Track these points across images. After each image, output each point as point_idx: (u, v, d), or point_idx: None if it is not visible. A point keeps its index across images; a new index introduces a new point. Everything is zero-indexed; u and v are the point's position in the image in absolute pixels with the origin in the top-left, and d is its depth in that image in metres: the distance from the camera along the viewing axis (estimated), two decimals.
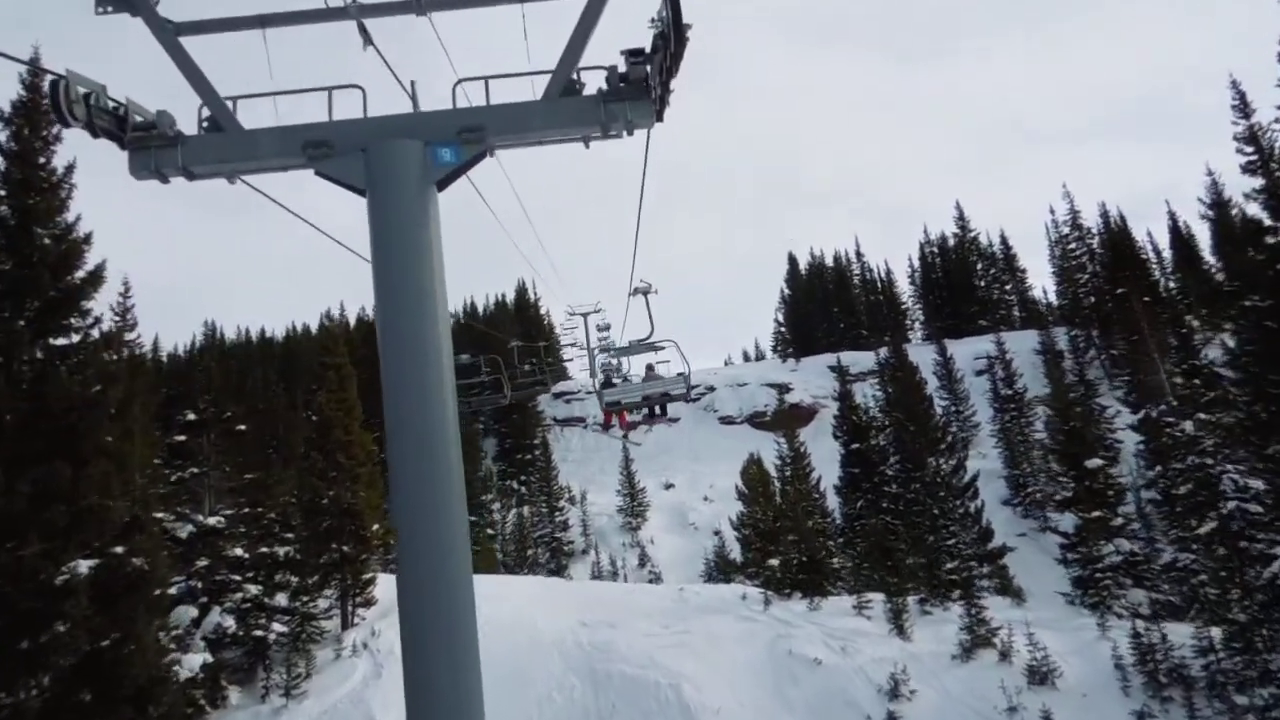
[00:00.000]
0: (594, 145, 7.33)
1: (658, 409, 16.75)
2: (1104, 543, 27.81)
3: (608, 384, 16.60)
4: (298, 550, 30.38)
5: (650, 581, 60.19)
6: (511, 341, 25.03)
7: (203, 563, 27.91)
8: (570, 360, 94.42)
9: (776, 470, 51.15)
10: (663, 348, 15.38)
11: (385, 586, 33.00)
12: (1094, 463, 29.39)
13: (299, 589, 30.29)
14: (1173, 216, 78.99)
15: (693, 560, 60.71)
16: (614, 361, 17.77)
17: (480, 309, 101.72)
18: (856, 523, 53.62)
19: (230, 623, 27.20)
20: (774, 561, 38.90)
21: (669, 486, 72.77)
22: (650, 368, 16.97)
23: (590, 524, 66.58)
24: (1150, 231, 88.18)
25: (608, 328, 22.74)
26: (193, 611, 27.55)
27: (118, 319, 42.19)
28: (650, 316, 14.75)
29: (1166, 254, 78.40)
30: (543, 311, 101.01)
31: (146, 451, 29.49)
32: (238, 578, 28.31)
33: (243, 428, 30.66)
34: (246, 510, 29.49)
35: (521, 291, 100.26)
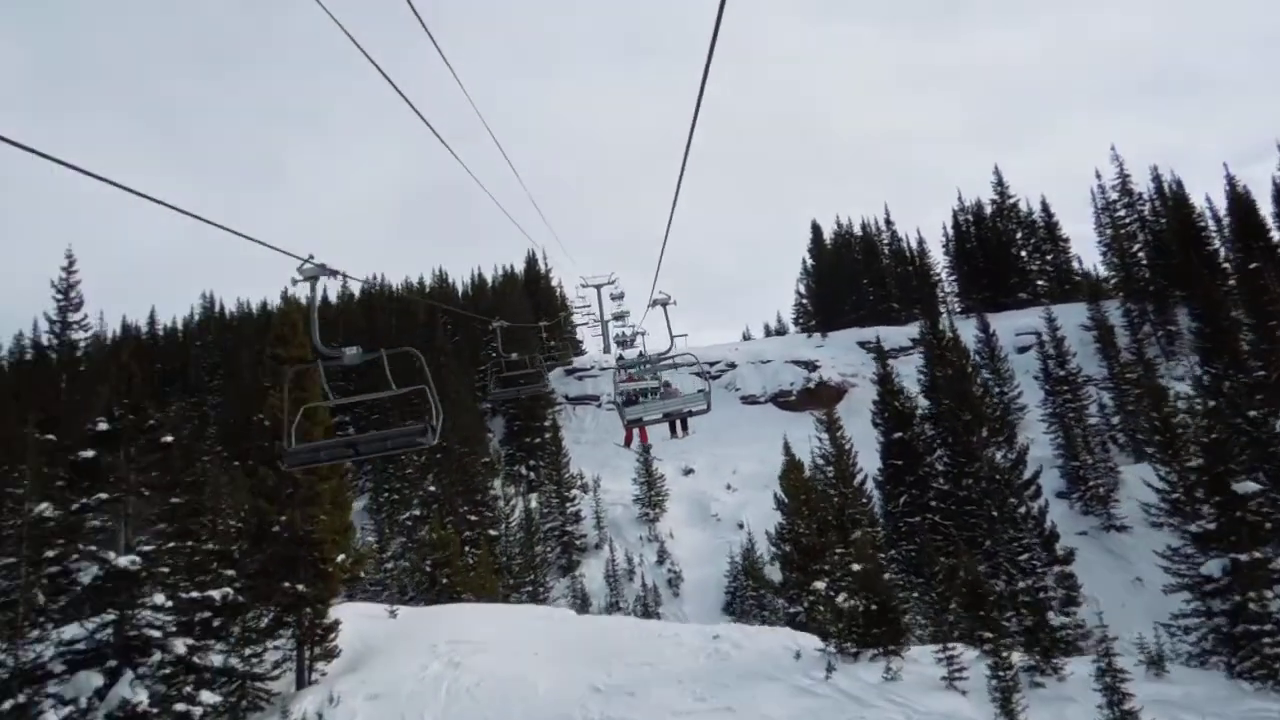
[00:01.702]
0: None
1: (679, 426, 15.64)
2: (1270, 595, 20.94)
3: (630, 402, 14.59)
4: (240, 591, 23.71)
5: (670, 582, 53.76)
6: (494, 321, 18.06)
7: (110, 616, 21.31)
8: (583, 341, 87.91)
9: (812, 465, 44.30)
10: (681, 365, 15.04)
11: (352, 631, 26.37)
12: (1246, 487, 22.38)
13: (242, 638, 23.70)
14: (1230, 181, 71.23)
15: (715, 557, 54.10)
16: (630, 387, 15.82)
17: (489, 281, 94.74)
18: (901, 522, 46.91)
19: (142, 696, 20.55)
20: (819, 585, 32.24)
21: (688, 472, 66.13)
22: (667, 384, 15.71)
23: (604, 515, 59.93)
24: (1209, 197, 79.87)
25: (621, 296, 20.82)
26: (96, 680, 21.01)
27: (59, 297, 35.05)
28: (670, 329, 13.94)
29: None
30: (554, 283, 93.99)
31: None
32: (157, 632, 21.67)
33: (169, 439, 23.84)
34: (173, 544, 22.75)
35: (531, 262, 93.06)
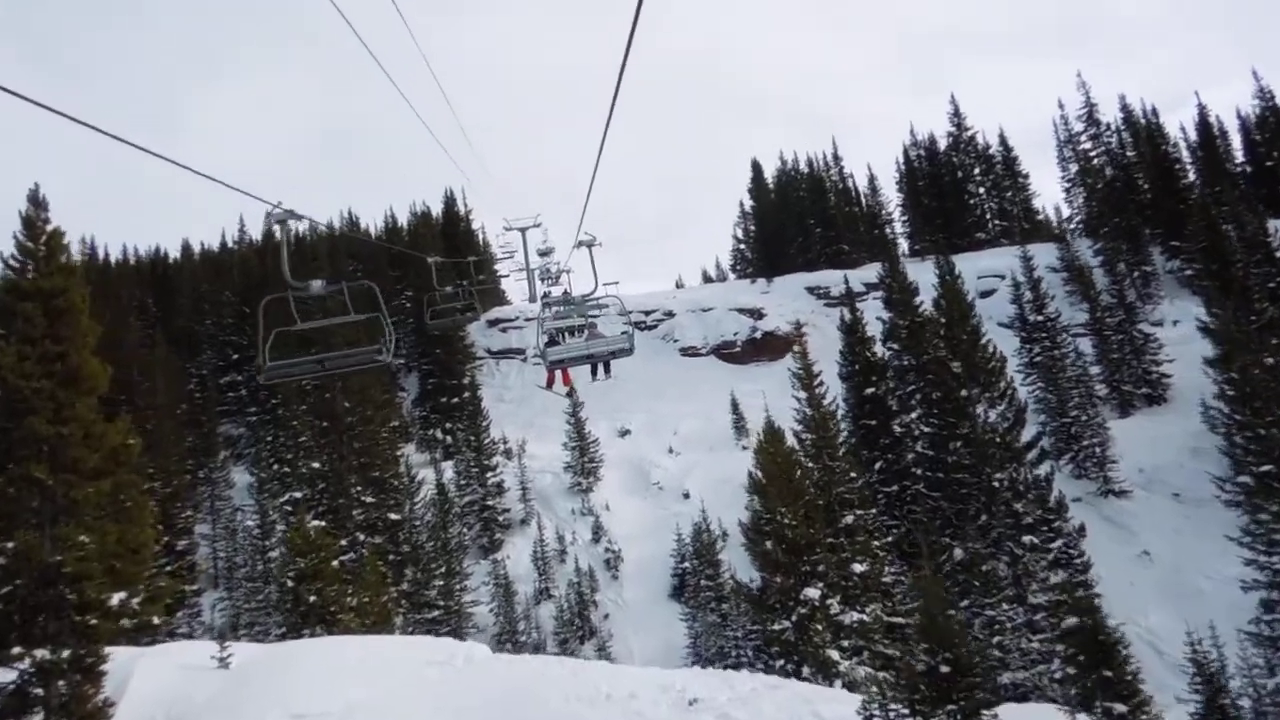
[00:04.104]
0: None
1: (601, 368, 15.02)
2: None
3: (552, 343, 13.69)
4: None
5: (608, 563, 45.30)
6: (274, 206, 9.50)
7: None
8: (505, 291, 78.07)
9: (766, 421, 35.92)
10: (606, 305, 14.42)
11: (154, 699, 17.20)
12: None
13: None
14: (1202, 110, 64.42)
15: (659, 531, 45.73)
16: (555, 325, 14.53)
17: (403, 223, 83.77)
18: (878, 493, 38.91)
19: None
20: (812, 592, 23.95)
21: (625, 433, 57.47)
22: (593, 325, 14.74)
23: (530, 485, 50.99)
24: (1184, 126, 73.15)
25: (550, 252, 19.34)
26: None
27: None
28: (595, 271, 13.08)
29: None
30: (476, 227, 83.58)
31: None
32: None
33: None
34: None
35: (449, 202, 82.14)
